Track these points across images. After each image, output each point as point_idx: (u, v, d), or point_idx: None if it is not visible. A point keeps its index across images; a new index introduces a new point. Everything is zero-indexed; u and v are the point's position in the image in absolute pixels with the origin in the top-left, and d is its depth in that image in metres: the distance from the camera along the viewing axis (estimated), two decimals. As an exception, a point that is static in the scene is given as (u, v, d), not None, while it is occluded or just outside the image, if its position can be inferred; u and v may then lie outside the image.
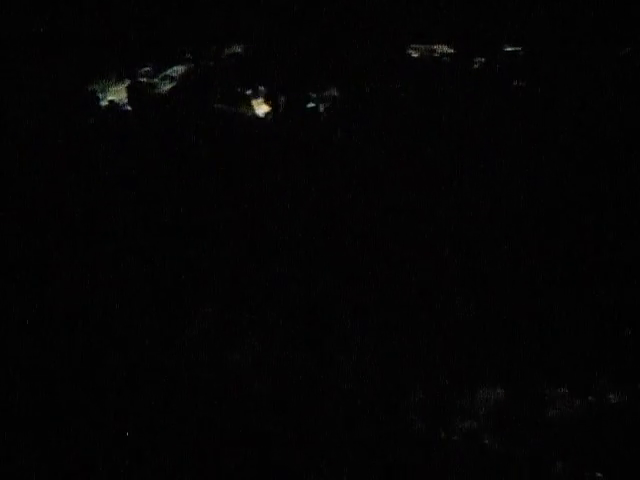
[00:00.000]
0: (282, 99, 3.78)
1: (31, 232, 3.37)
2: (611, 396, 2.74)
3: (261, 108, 3.79)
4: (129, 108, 3.79)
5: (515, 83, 3.83)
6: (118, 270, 3.28)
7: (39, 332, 3.06)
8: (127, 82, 3.86)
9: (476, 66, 3.90)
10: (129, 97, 3.81)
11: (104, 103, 3.79)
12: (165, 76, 3.88)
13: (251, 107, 3.78)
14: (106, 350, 3.00)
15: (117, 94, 3.82)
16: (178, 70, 3.89)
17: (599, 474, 2.55)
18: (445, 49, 3.91)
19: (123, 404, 2.83)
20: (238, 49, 3.93)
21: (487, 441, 2.70)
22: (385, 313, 3.11)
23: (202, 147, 3.66)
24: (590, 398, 2.74)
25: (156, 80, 3.87)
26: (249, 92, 3.84)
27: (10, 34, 3.83)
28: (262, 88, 3.84)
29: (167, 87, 3.85)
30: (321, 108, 3.75)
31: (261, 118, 3.78)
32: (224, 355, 3.00)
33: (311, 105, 3.75)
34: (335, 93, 3.78)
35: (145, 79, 3.88)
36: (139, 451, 2.67)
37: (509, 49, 3.91)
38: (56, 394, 2.85)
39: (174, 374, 2.94)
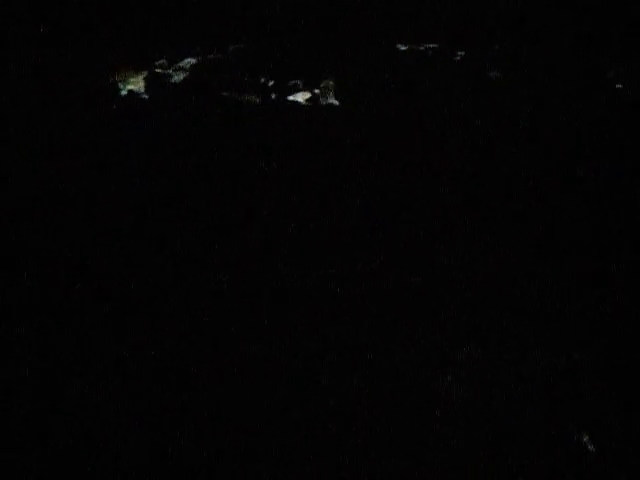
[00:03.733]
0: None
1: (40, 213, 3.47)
2: (575, 356, 3.07)
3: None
4: (146, 97, 4.08)
5: (492, 74, 4.16)
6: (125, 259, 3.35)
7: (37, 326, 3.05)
8: (144, 73, 4.15)
9: (457, 58, 4.21)
10: (146, 87, 4.11)
11: (124, 93, 4.08)
12: (178, 67, 4.17)
13: (255, 97, 4.06)
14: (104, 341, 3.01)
15: (135, 84, 4.11)
16: (190, 62, 4.19)
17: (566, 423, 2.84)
18: (429, 45, 4.21)
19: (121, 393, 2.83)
20: (242, 45, 4.20)
21: (468, 395, 2.94)
22: (380, 286, 3.31)
23: (211, 130, 3.91)
24: (558, 358, 3.06)
25: (170, 71, 4.17)
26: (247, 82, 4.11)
27: (38, 29, 4.07)
28: (261, 79, 4.12)
29: (180, 77, 4.14)
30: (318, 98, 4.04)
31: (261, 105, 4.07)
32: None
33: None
34: (332, 84, 4.09)
35: (160, 70, 4.17)
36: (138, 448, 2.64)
37: (487, 45, 4.22)
38: (53, 386, 2.82)
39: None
